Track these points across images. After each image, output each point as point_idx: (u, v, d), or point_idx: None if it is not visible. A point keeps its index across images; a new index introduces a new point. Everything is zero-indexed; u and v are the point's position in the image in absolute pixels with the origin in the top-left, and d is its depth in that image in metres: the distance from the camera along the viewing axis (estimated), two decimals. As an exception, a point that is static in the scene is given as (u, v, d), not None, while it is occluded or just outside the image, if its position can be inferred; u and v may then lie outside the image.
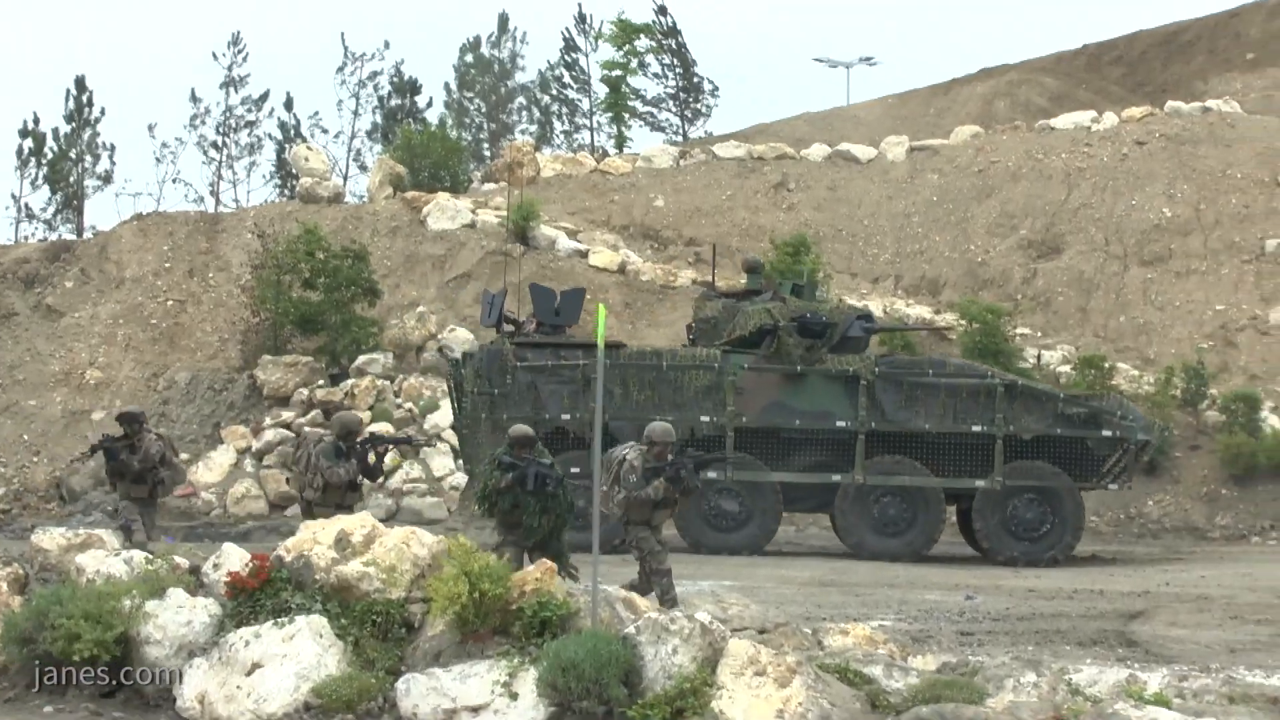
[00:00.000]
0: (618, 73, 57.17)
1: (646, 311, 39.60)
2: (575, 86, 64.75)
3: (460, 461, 30.79)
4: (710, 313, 28.95)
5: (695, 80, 65.76)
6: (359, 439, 18.41)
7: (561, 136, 66.35)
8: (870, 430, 27.68)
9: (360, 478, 18.25)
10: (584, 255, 40.79)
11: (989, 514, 27.86)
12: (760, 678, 11.34)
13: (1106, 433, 27.84)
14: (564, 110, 66.11)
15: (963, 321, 36.38)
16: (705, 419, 27.85)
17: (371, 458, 18.41)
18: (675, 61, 64.93)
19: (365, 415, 35.33)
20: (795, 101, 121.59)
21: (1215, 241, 39.76)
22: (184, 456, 21.56)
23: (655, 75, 64.67)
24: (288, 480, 33.47)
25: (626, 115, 58.02)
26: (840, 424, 27.78)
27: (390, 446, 20.04)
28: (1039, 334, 36.84)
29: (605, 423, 27.19)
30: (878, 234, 41.89)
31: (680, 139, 60.94)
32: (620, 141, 55.26)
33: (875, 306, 38.48)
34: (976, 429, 27.66)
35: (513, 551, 16.25)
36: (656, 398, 27.87)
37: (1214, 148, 42.69)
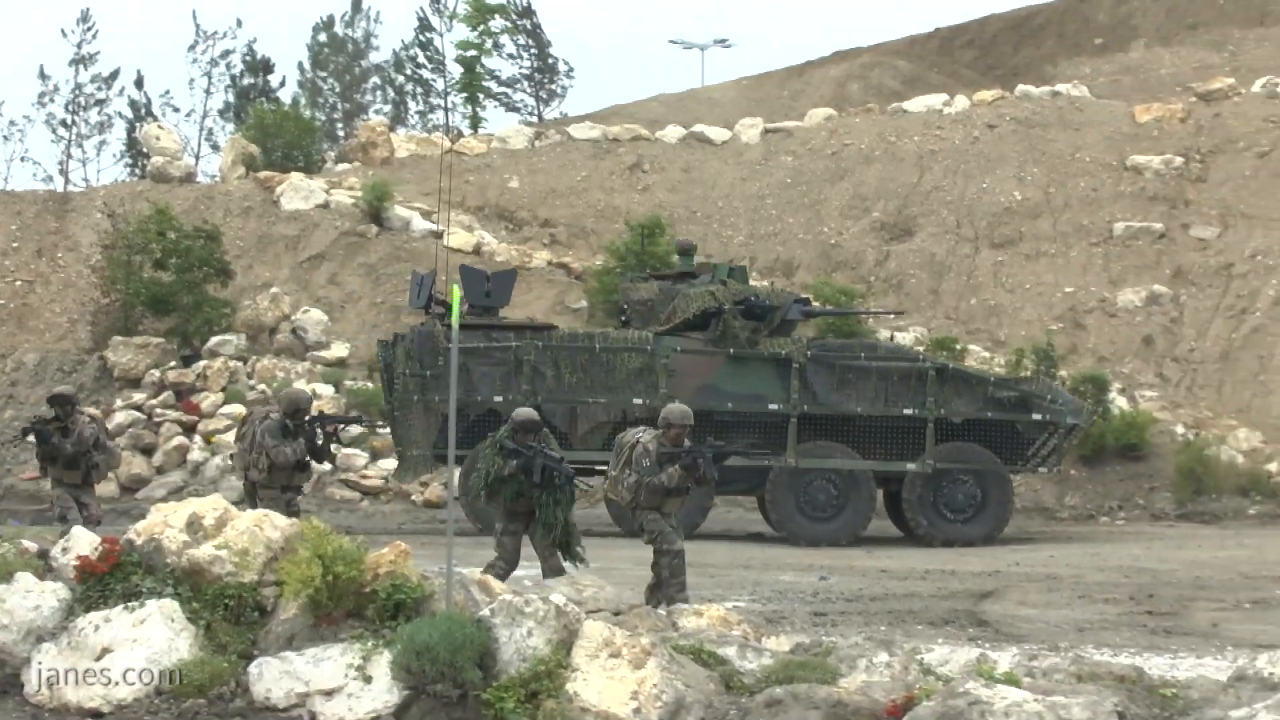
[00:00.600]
0: (472, 53, 56.93)
1: (501, 293, 39.48)
2: (430, 67, 64.59)
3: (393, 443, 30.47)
4: (646, 295, 28.89)
5: (550, 61, 65.77)
6: (307, 417, 18.02)
7: (416, 117, 66.15)
8: (802, 413, 27.74)
9: (308, 458, 17.88)
10: (438, 236, 40.64)
11: (919, 497, 27.98)
12: (615, 659, 11.36)
13: (1036, 416, 28.07)
14: (418, 90, 65.90)
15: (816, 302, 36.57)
16: (638, 401, 27.76)
17: (320, 438, 18.03)
18: (530, 42, 64.90)
19: (217, 397, 35.06)
20: (650, 83, 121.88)
21: (1064, 224, 40.21)
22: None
23: (510, 56, 64.65)
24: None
25: (481, 96, 57.81)
26: (773, 407, 27.80)
27: (341, 426, 19.73)
28: (891, 316, 37.04)
29: (537, 405, 27.54)
30: (732, 216, 42.02)
31: (535, 120, 60.88)
32: (475, 122, 55.08)
33: (730, 288, 38.65)
34: (908, 412, 27.78)
35: (511, 541, 16.34)
36: (588, 380, 27.85)
37: (1063, 131, 43.17)
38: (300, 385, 33.29)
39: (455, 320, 12.48)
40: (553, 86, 65.91)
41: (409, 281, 31.03)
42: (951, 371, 28.34)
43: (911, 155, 42.85)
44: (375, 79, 68.18)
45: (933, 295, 39.09)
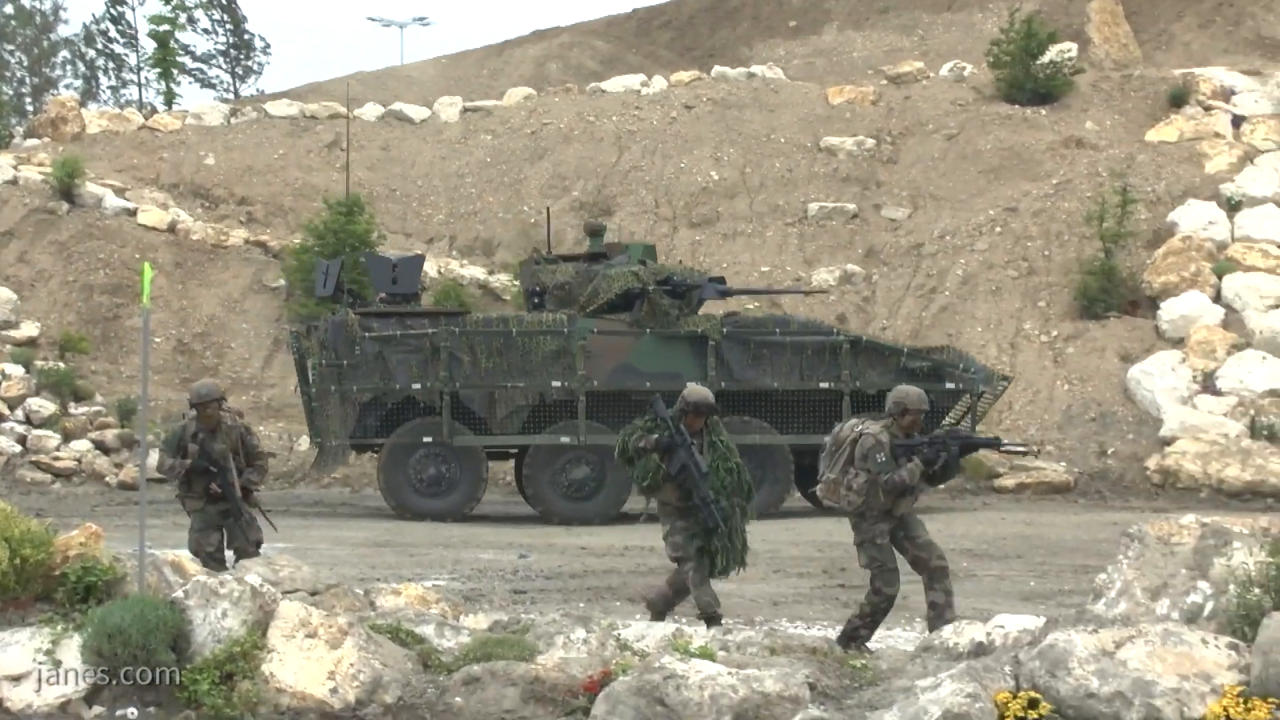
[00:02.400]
0: (165, 28, 55.99)
1: (198, 271, 38.93)
2: (122, 41, 63.34)
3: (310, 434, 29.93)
4: (564, 278, 28.69)
5: (246, 37, 64.93)
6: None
7: (108, 92, 64.87)
8: (720, 390, 27.49)
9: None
10: (132, 214, 39.87)
11: None
12: (312, 639, 11.30)
13: (949, 385, 28.66)
14: (110, 65, 64.60)
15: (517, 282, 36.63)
16: (556, 384, 27.83)
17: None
18: (225, 18, 64.01)
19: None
20: (349, 60, 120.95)
21: (760, 204, 40.76)
22: None
23: (205, 31, 63.72)
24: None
25: (175, 71, 56.88)
26: None
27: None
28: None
29: (454, 392, 27.27)
30: (432, 194, 41.89)
31: (232, 97, 60.07)
32: (169, 98, 54.18)
33: (431, 267, 38.52)
34: (824, 386, 28.19)
35: (683, 538, 14.46)
36: (505, 364, 27.78)
37: (759, 113, 43.73)
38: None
39: (146, 297, 12.24)
40: (249, 63, 65.15)
41: (314, 270, 31.13)
42: (865, 344, 28.86)
43: (610, 135, 43.09)
44: (65, 53, 66.72)
45: (631, 274, 39.36)
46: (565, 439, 27.89)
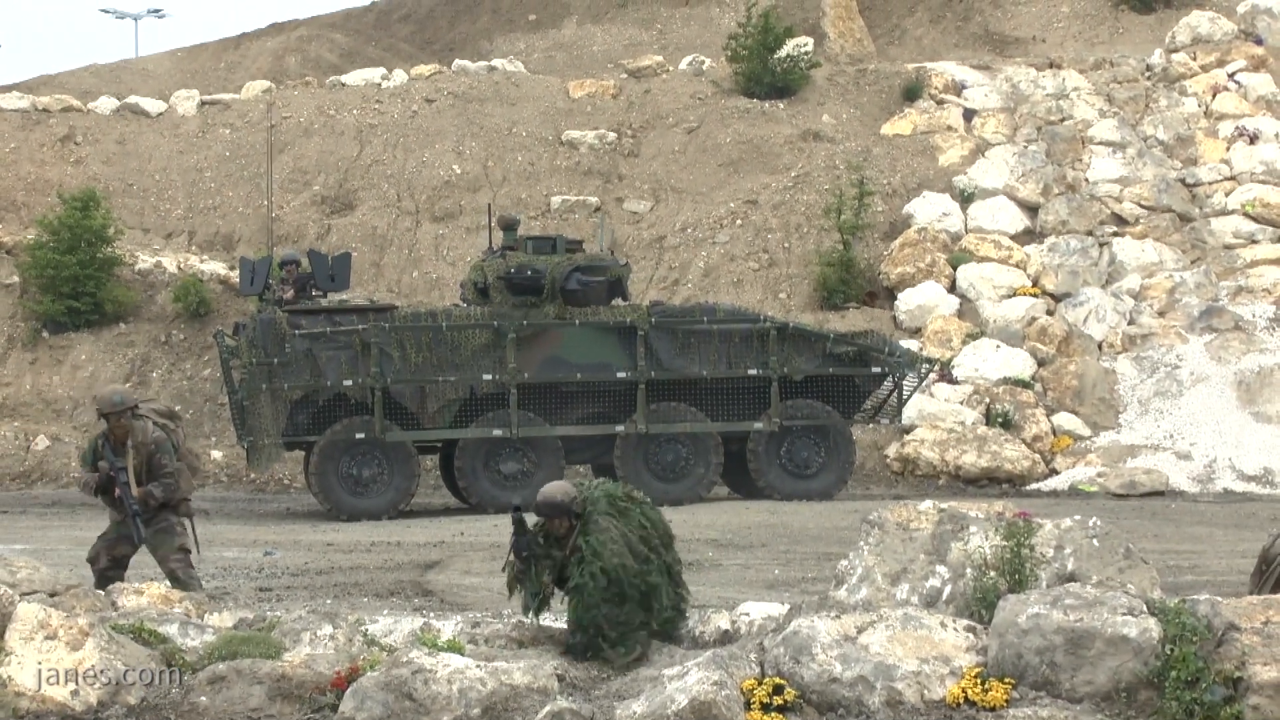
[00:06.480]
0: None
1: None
2: None
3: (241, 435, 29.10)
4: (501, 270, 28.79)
5: (-25, 28, 63.37)
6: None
7: None
8: (649, 379, 28.18)
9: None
10: None
11: (765, 455, 28.83)
12: (51, 641, 11.12)
13: (875, 369, 29.32)
14: None
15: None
16: (487, 377, 27.94)
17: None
18: (-47, 8, 62.43)
19: None
20: (82, 53, 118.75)
21: (503, 198, 40.72)
22: None
23: (-68, 22, 62.08)
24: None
25: (-99, 63, 55.42)
26: (620, 375, 28.27)
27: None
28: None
29: (385, 388, 27.38)
30: (170, 189, 41.27)
31: (-40, 89, 58.64)
32: (-106, 91, 52.70)
33: (170, 263, 37.99)
34: (752, 372, 28.62)
35: None
36: (435, 359, 27.84)
37: (500, 106, 43.71)
38: None
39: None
40: (-22, 55, 63.65)
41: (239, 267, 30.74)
42: (791, 330, 29.26)
43: (351, 129, 42.80)
44: None
45: (375, 268, 39.16)
46: (498, 431, 28.13)
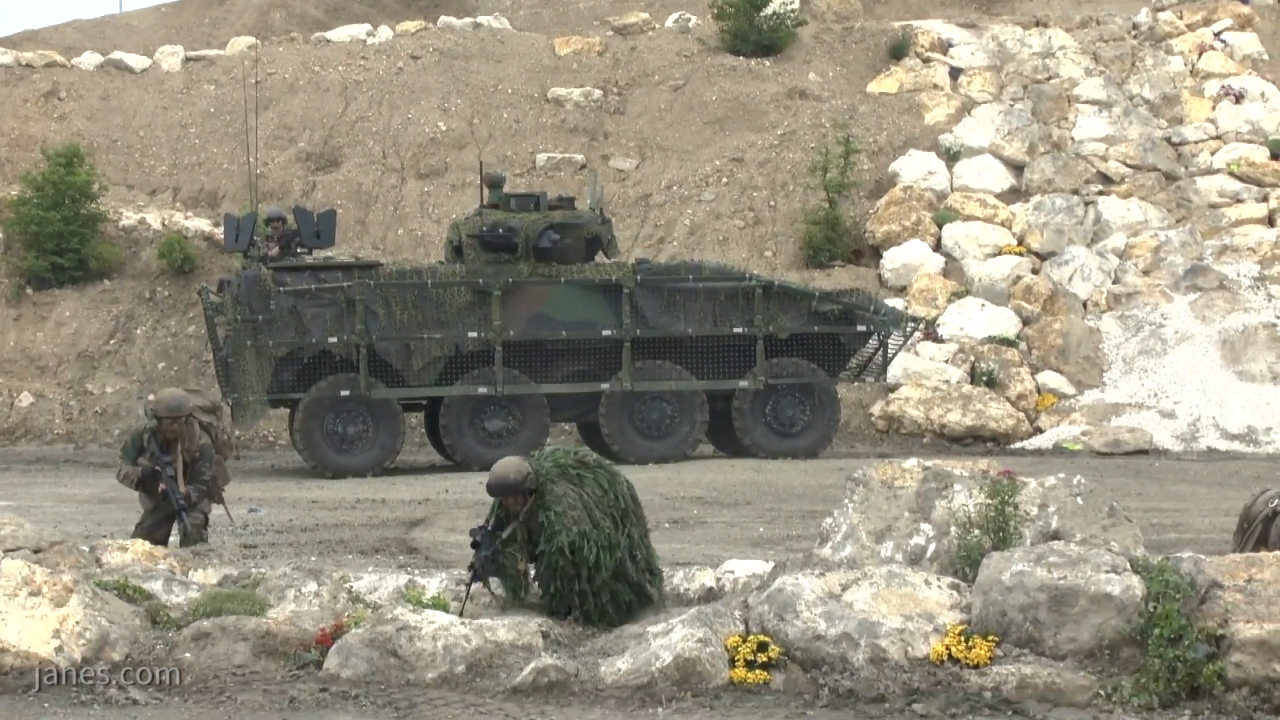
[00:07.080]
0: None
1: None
2: None
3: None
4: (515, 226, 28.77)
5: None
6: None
7: None
8: (635, 337, 28.24)
9: None
10: None
11: (750, 413, 28.88)
12: (36, 598, 11.12)
13: (860, 328, 29.38)
14: None
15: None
16: (473, 335, 27.98)
17: None
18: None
19: None
20: (65, 8, 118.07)
21: (489, 155, 40.63)
22: None
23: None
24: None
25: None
26: (605, 333, 28.32)
27: None
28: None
29: (370, 345, 27.42)
30: (154, 145, 41.14)
31: (-57, 44, 58.40)
32: (-123, 46, 52.49)
33: (154, 219, 37.90)
34: (737, 331, 28.67)
35: None
36: (420, 316, 27.84)
37: (485, 63, 43.59)
38: None
39: None
40: (-39, 10, 63.40)
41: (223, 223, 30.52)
42: (777, 288, 29.34)
43: (336, 85, 42.67)
44: None
45: (360, 225, 39.10)
46: (483, 389, 28.15)
